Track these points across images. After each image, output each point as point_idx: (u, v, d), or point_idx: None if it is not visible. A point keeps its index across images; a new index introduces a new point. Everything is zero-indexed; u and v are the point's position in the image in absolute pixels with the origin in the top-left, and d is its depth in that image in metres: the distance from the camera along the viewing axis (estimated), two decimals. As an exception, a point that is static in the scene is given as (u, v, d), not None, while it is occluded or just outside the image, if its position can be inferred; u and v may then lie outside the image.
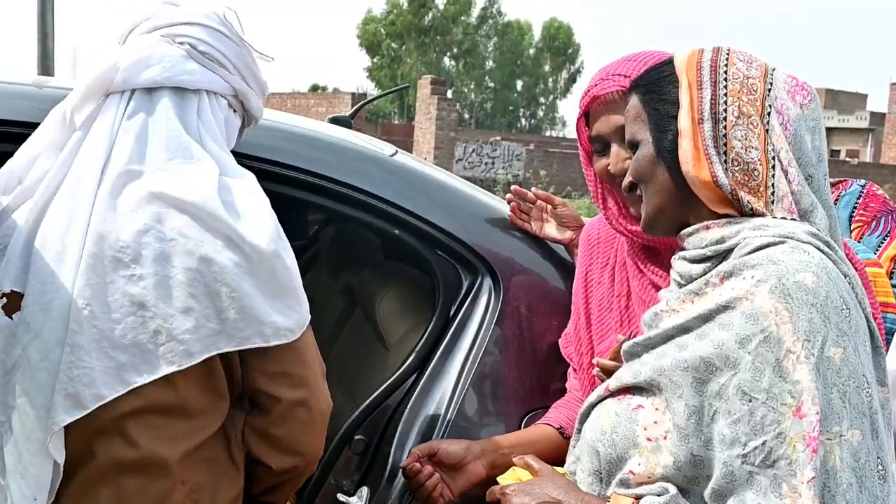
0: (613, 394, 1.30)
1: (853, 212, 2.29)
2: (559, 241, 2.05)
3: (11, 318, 1.33)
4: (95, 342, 1.33)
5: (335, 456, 1.92)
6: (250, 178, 1.51)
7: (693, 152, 1.25)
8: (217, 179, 1.43)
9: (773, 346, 1.13)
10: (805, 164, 1.27)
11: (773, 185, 1.24)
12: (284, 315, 1.41)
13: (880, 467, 1.12)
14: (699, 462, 1.18)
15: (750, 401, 1.13)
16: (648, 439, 1.22)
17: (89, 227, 1.36)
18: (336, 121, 2.67)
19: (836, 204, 2.31)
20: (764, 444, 1.11)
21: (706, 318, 1.21)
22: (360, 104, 3.24)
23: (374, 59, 65.13)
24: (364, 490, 1.71)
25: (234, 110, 1.60)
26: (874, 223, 2.25)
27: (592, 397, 1.36)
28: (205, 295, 1.37)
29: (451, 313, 1.98)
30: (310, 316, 1.47)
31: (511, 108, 71.99)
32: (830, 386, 1.11)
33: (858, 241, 2.21)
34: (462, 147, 24.42)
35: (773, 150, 1.24)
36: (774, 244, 1.20)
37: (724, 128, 1.24)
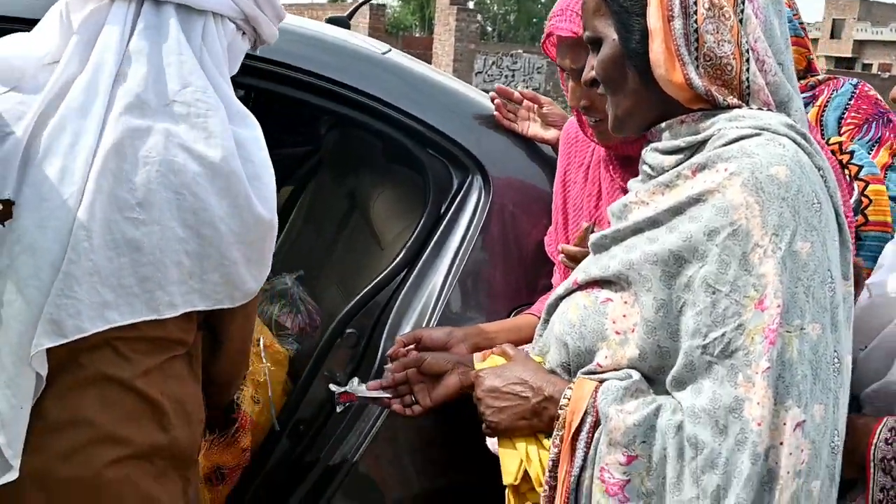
0: (582, 287, 1.31)
1: (843, 113, 2.23)
2: (545, 140, 2.06)
3: (3, 226, 1.34)
4: (87, 275, 1.35)
5: (327, 349, 1.98)
6: (257, 129, 1.51)
7: (665, 54, 1.22)
8: (232, 133, 1.45)
9: (741, 239, 1.13)
10: (776, 51, 1.25)
11: (747, 79, 1.22)
12: (256, 280, 1.51)
13: (836, 360, 1.13)
14: (665, 353, 1.20)
15: (714, 293, 1.14)
16: (617, 332, 1.24)
17: (97, 154, 1.36)
18: (334, 21, 2.66)
19: (826, 105, 2.27)
20: (723, 335, 1.13)
21: (677, 210, 1.20)
22: (357, 4, 3.21)
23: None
24: (355, 380, 1.77)
25: (244, 33, 1.56)
26: (865, 127, 2.19)
27: (560, 290, 1.37)
28: (196, 255, 1.42)
29: (442, 211, 2.02)
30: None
31: (535, 20, 70.52)
32: (795, 280, 1.11)
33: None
34: (482, 59, 24.06)
35: (746, 42, 1.22)
36: (749, 136, 1.19)
37: (695, 22, 1.21)
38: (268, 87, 1.98)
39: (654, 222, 1.23)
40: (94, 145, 1.36)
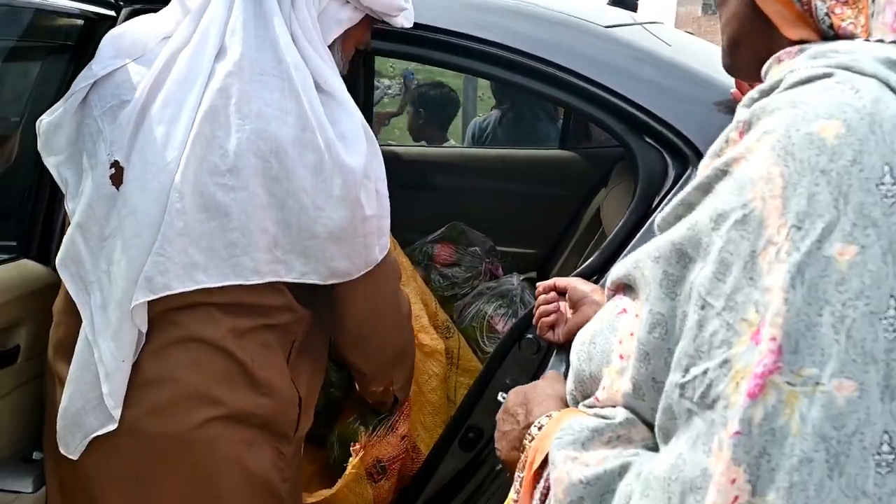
0: (613, 290, 0.96)
1: None
2: None
3: (117, 189, 1.44)
4: (179, 236, 1.40)
5: (504, 353, 1.80)
6: (349, 105, 1.50)
7: None
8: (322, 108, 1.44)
9: (753, 230, 0.72)
10: None
11: None
12: (350, 261, 1.50)
13: (885, 447, 0.66)
14: (662, 391, 0.81)
15: (703, 307, 0.75)
16: (620, 357, 0.89)
17: (195, 122, 1.40)
18: (619, 3, 2.42)
19: None
20: (705, 373, 0.73)
21: (705, 188, 0.82)
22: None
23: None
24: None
25: (347, 1, 1.53)
26: None
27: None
28: (282, 223, 1.43)
29: (653, 205, 1.71)
30: (379, 258, 1.56)
31: None
32: (818, 303, 0.68)
33: None
34: None
35: None
36: (817, 77, 0.77)
37: None
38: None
39: (686, 205, 0.85)
40: (193, 114, 1.41)
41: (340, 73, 1.56)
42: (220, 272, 1.43)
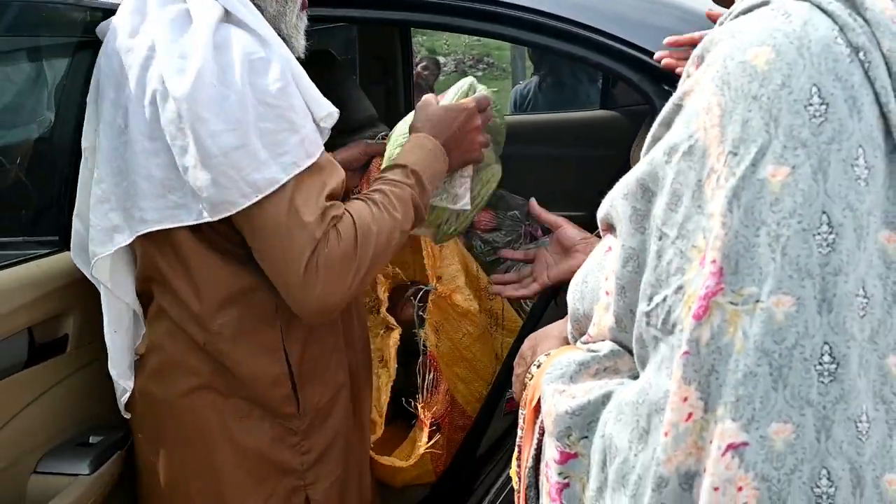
0: (603, 229, 0.98)
1: None
2: None
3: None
4: (99, 203, 1.55)
5: (540, 311, 1.80)
6: (199, 28, 1.41)
7: None
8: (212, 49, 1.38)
9: (698, 160, 0.76)
10: None
11: None
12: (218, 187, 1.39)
13: (826, 357, 0.69)
14: None
15: (660, 238, 0.79)
16: (606, 293, 0.91)
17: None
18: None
19: None
20: (665, 300, 0.77)
21: (667, 122, 0.85)
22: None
23: None
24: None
25: None
26: None
27: None
28: (167, 166, 1.45)
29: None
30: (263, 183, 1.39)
31: None
32: (754, 224, 0.71)
33: None
34: None
35: None
36: (756, 6, 0.80)
37: None
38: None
39: (655, 140, 0.88)
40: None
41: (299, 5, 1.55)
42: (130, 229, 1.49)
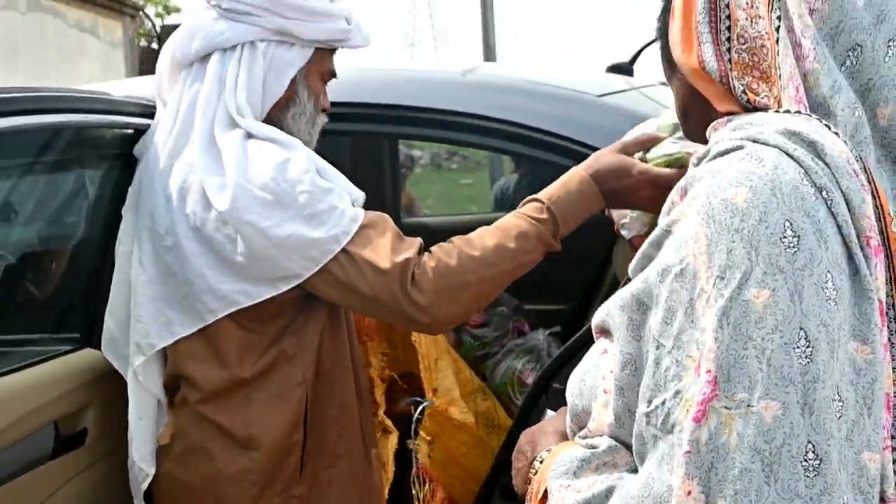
0: (597, 333, 1.10)
1: None
2: None
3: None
4: (150, 301, 1.68)
5: (531, 405, 1.92)
6: (228, 156, 1.62)
7: (683, 32, 1.00)
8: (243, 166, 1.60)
9: (689, 281, 0.88)
10: (849, 28, 0.92)
11: (779, 64, 0.95)
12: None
13: (810, 455, 0.80)
14: None
15: (657, 347, 0.90)
16: (605, 392, 1.03)
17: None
18: (616, 69, 2.59)
19: None
20: (664, 402, 0.88)
21: (657, 244, 0.97)
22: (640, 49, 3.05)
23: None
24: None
25: (292, 44, 1.68)
26: None
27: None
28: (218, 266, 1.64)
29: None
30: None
31: None
32: (742, 339, 0.83)
33: None
34: None
35: (778, 15, 0.94)
36: (732, 150, 0.92)
37: None
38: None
39: (647, 258, 1.01)
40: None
41: (318, 106, 1.76)
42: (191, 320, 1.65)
